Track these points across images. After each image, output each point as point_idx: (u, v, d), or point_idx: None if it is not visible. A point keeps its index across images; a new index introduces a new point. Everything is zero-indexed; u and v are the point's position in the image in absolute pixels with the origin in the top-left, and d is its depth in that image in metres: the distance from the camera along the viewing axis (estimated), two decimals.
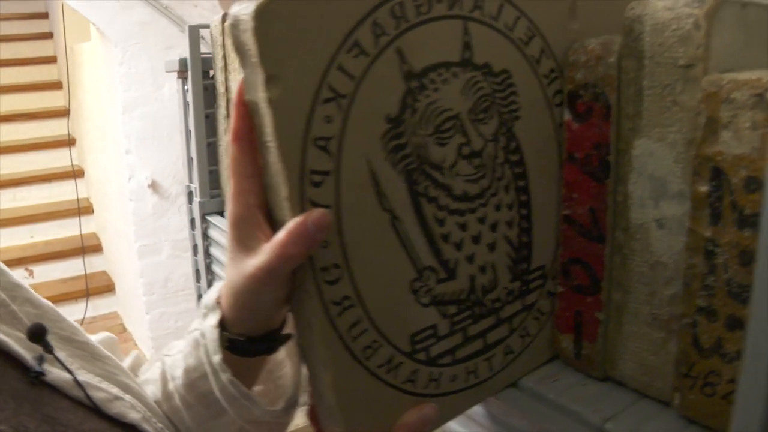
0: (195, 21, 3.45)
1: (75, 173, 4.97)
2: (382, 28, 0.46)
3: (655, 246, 0.51)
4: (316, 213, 0.44)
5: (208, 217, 1.30)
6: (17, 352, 0.51)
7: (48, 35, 6.01)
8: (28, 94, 5.40)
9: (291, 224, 0.43)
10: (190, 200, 1.38)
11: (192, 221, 1.37)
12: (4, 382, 0.50)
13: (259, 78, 0.42)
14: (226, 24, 0.42)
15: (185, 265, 3.92)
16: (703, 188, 0.46)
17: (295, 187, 0.44)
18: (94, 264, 4.70)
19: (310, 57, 0.43)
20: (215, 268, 1.33)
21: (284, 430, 0.59)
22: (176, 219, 3.91)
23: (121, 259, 4.50)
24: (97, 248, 4.91)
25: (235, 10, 0.42)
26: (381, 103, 0.47)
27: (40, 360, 0.52)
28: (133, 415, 0.55)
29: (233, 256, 0.48)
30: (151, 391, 0.60)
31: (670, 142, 0.48)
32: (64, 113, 5.17)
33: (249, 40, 0.41)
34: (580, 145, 0.55)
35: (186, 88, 1.32)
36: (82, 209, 4.88)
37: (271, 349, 0.53)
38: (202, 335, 0.54)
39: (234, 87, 1.15)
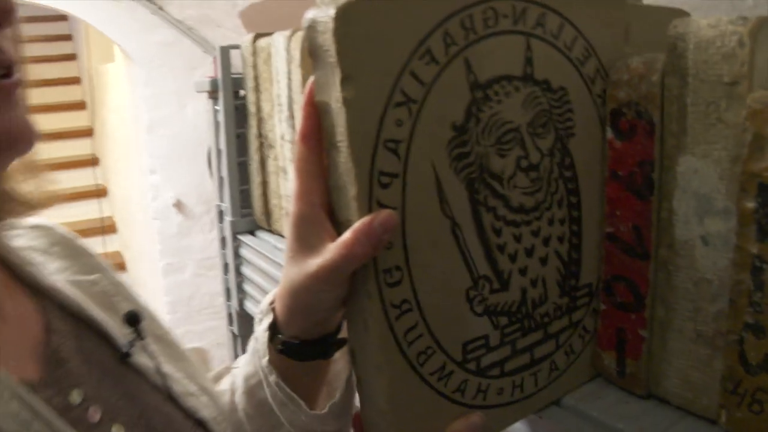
0: (218, 42, 3.49)
1: (99, 192, 5.04)
2: (452, 37, 0.47)
3: (699, 263, 0.51)
4: (384, 214, 0.44)
5: (239, 236, 1.31)
6: (111, 332, 0.56)
7: (72, 56, 6.12)
8: (53, 114, 5.50)
9: (358, 224, 0.44)
10: (220, 219, 1.40)
11: (222, 240, 1.38)
12: (95, 355, 0.55)
13: (336, 78, 0.43)
14: (305, 23, 0.43)
15: (209, 284, 3.95)
16: (750, 204, 0.46)
17: (364, 187, 0.44)
18: None
19: (386, 60, 0.44)
20: (246, 287, 1.33)
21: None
22: (201, 238, 3.95)
23: (144, 277, 4.55)
24: (120, 266, 4.97)
25: (312, 14, 0.44)
26: (448, 111, 0.48)
27: (131, 344, 0.57)
28: (206, 413, 0.58)
29: (293, 255, 0.49)
30: (223, 404, 0.62)
31: (715, 159, 0.49)
32: (87, 133, 5.25)
33: (328, 40, 0.43)
34: (623, 163, 0.55)
35: (216, 108, 1.34)
36: (106, 228, 4.95)
37: (326, 353, 0.54)
38: (256, 340, 0.55)
39: (266, 107, 1.17)
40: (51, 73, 5.78)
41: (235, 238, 1.32)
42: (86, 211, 5.05)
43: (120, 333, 0.57)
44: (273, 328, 0.54)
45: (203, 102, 1.42)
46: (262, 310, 0.56)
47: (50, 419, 0.45)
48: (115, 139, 4.77)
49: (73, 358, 0.53)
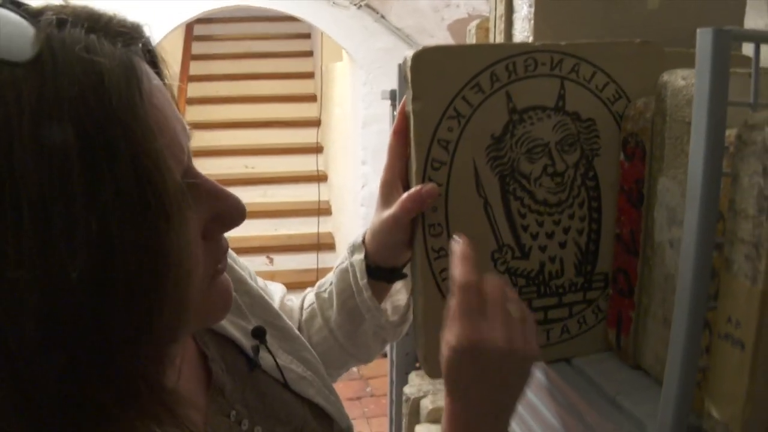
0: None
1: (319, 177, 5.51)
2: (497, 77, 0.68)
3: (667, 261, 0.65)
4: (429, 185, 0.68)
5: None
6: (244, 348, 0.71)
7: (309, 53, 6.70)
8: (287, 104, 6.09)
9: (412, 190, 0.68)
10: None
11: None
12: (237, 367, 0.70)
13: (411, 96, 0.67)
14: (402, 62, 0.68)
15: None
16: None
17: (421, 168, 0.67)
18: (326, 260, 5.19)
19: (443, 88, 0.67)
20: None
21: (400, 335, 0.84)
22: None
23: None
24: (330, 246, 5.40)
25: (406, 53, 0.68)
26: (489, 125, 0.68)
27: (257, 350, 0.72)
28: (310, 392, 0.76)
29: (378, 208, 0.74)
30: (316, 323, 0.86)
31: (680, 181, 0.63)
32: (315, 123, 5.74)
33: (408, 71, 0.66)
34: (627, 180, 0.70)
35: (395, 114, 1.58)
36: (322, 210, 5.40)
37: (390, 279, 0.78)
38: (351, 265, 0.79)
39: None
40: (289, 68, 6.42)
41: None
42: (307, 192, 5.55)
43: (248, 342, 0.72)
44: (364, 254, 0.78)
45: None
46: (353, 245, 0.80)
47: None
48: (337, 130, 5.23)
49: (227, 382, 0.67)
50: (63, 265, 0.39)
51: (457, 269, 0.60)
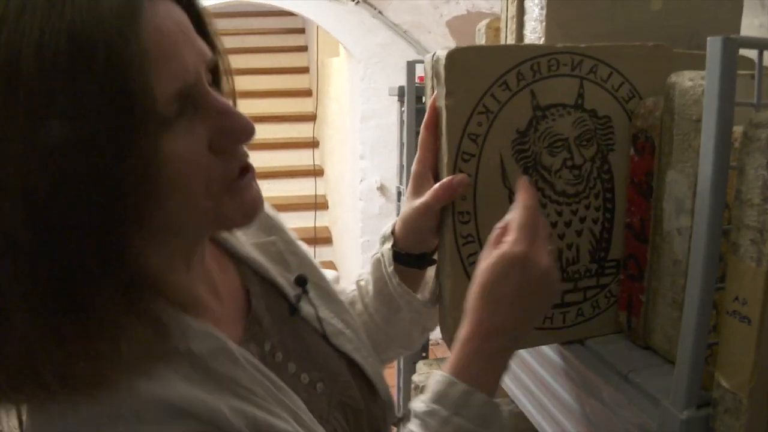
0: (430, 46, 3.83)
1: (315, 172, 5.56)
2: (523, 75, 0.73)
3: (675, 248, 0.71)
4: (460, 176, 0.74)
5: None
6: (287, 292, 0.80)
7: (303, 48, 6.72)
8: (282, 99, 6.12)
9: (444, 180, 0.74)
10: (399, 198, 1.70)
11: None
12: (277, 310, 0.78)
13: (443, 92, 0.72)
14: (432, 59, 0.74)
15: None
16: None
17: (452, 159, 0.73)
18: (323, 254, 5.25)
19: (474, 85, 0.72)
20: None
21: (435, 319, 0.86)
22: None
23: (345, 251, 5.00)
24: (327, 240, 5.46)
25: (437, 53, 0.73)
26: (514, 120, 0.74)
27: (299, 298, 0.80)
28: (348, 347, 0.82)
29: (409, 197, 0.79)
30: (357, 308, 0.91)
31: (687, 174, 0.68)
32: (311, 118, 5.79)
33: (442, 70, 0.72)
34: (637, 173, 0.76)
35: (403, 110, 1.63)
36: (319, 204, 5.44)
37: (421, 265, 0.84)
38: (382, 255, 0.85)
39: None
40: (284, 62, 6.45)
41: None
42: (304, 187, 5.60)
43: (291, 290, 0.81)
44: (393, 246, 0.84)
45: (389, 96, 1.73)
46: (384, 235, 0.86)
47: (256, 363, 0.66)
48: (334, 125, 5.28)
49: (265, 316, 0.75)
50: (47, 136, 0.49)
51: (524, 194, 0.69)
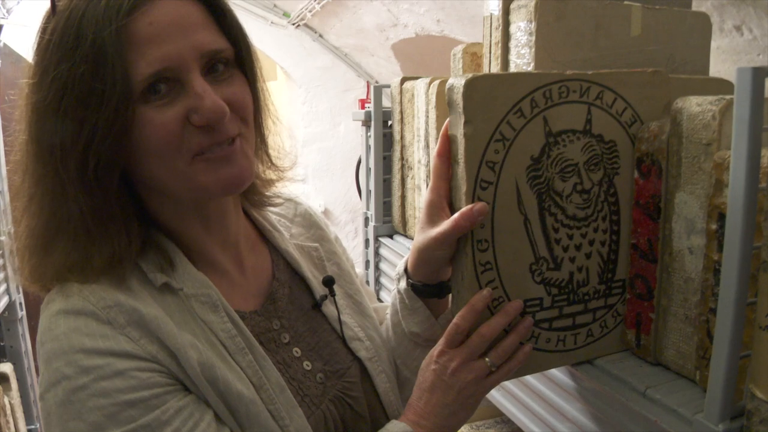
0: (371, 69, 3.86)
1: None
2: (536, 103, 0.75)
3: (687, 266, 0.73)
4: (480, 204, 0.74)
5: (380, 238, 1.60)
6: (313, 287, 0.88)
7: None
8: None
9: (465, 208, 0.74)
10: (366, 224, 1.69)
11: (366, 241, 1.68)
12: (299, 300, 0.86)
13: (461, 121, 0.72)
14: (447, 86, 0.75)
15: None
16: (713, 226, 0.68)
17: (471, 188, 0.74)
18: None
19: (491, 114, 0.73)
20: (383, 280, 1.62)
21: None
22: (345, 245, 4.31)
23: None
24: None
25: (452, 81, 0.74)
26: (528, 148, 0.75)
27: (324, 297, 0.87)
28: (363, 353, 0.87)
29: (422, 227, 0.79)
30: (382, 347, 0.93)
31: (697, 195, 0.71)
32: None
33: (459, 98, 0.72)
34: (643, 195, 0.78)
35: (369, 134, 1.64)
36: None
37: (440, 294, 0.85)
38: (398, 291, 0.86)
39: (407, 136, 1.45)
40: None
41: (376, 240, 1.62)
42: None
43: (319, 289, 0.88)
44: (407, 277, 0.85)
45: (354, 121, 1.72)
46: (398, 272, 0.87)
47: (240, 324, 0.76)
48: None
49: (283, 299, 0.84)
50: (49, 91, 0.68)
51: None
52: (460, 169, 0.74)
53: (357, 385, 0.84)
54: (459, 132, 0.73)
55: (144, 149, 0.70)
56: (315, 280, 0.89)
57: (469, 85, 0.71)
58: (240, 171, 0.74)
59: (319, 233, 0.97)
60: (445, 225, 0.75)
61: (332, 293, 0.89)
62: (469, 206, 0.73)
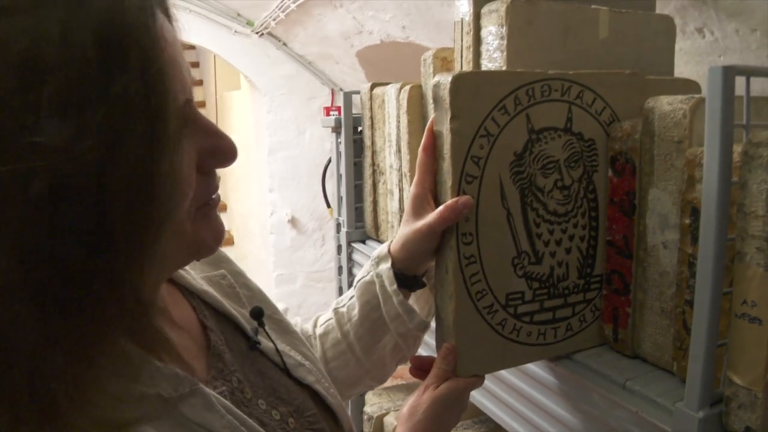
0: (336, 76, 3.87)
1: (220, 208, 5.44)
2: (519, 100, 0.77)
3: (662, 260, 0.76)
4: (465, 197, 0.75)
5: (353, 244, 1.61)
6: (244, 326, 0.77)
7: (199, 82, 6.65)
8: None
9: (450, 201, 0.75)
10: (338, 230, 1.70)
11: (339, 247, 1.68)
12: (235, 344, 0.75)
13: (447, 116, 0.74)
14: (433, 83, 0.76)
15: (317, 294, 4.31)
16: (687, 221, 0.70)
17: (456, 182, 0.75)
18: None
19: (477, 109, 0.75)
20: None
21: (419, 344, 0.91)
22: (312, 252, 4.31)
23: (258, 285, 4.92)
24: None
25: (438, 78, 0.75)
26: (512, 143, 0.77)
27: (256, 332, 0.77)
28: (310, 378, 0.80)
29: (408, 219, 0.80)
30: (332, 337, 0.91)
31: (670, 191, 0.74)
32: None
33: (446, 95, 0.74)
34: (617, 192, 0.80)
35: (339, 141, 1.65)
36: (225, 240, 5.32)
37: (413, 287, 0.85)
38: (377, 276, 0.86)
39: (378, 142, 1.46)
40: None
41: (349, 246, 1.62)
42: None
43: (248, 324, 0.78)
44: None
45: (319, 129, 1.72)
46: (379, 256, 0.87)
47: (230, 406, 0.63)
48: (238, 159, 5.21)
49: (225, 351, 0.71)
50: (71, 142, 0.44)
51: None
52: (446, 164, 0.75)
53: (317, 416, 0.77)
54: (445, 127, 0.75)
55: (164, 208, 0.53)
56: (240, 315, 0.78)
57: (456, 82, 0.73)
58: (222, 230, 0.64)
59: (217, 255, 0.83)
60: (431, 217, 0.77)
61: (263, 325, 0.79)
62: (454, 199, 0.75)
